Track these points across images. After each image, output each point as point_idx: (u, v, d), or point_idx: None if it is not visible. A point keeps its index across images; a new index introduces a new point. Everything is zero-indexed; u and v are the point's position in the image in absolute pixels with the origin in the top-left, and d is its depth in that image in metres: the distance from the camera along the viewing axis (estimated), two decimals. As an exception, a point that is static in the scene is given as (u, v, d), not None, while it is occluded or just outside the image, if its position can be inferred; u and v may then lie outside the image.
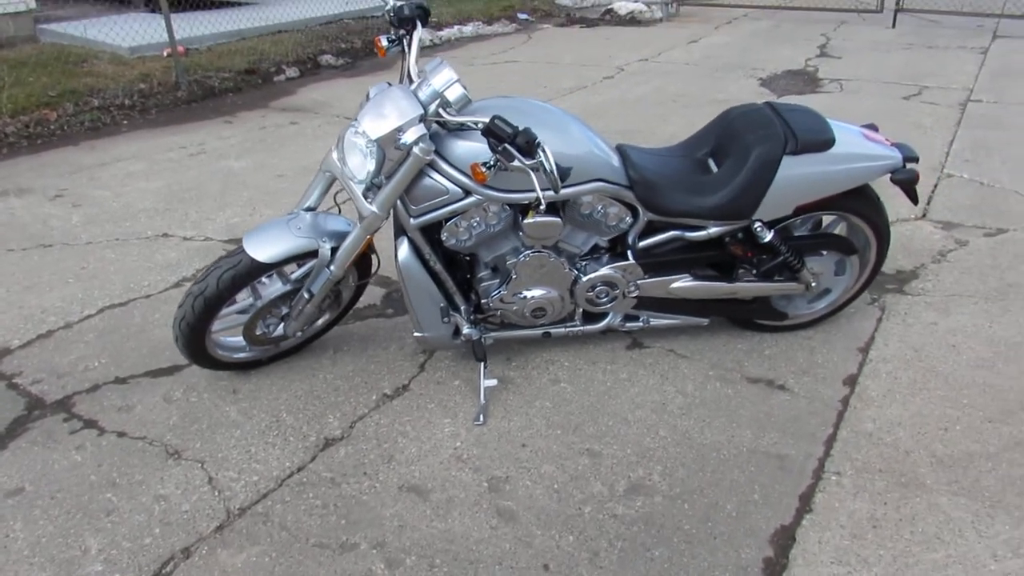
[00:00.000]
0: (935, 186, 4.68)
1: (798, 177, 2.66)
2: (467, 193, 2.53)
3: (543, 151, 2.17)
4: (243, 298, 2.79)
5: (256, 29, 8.88)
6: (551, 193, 2.27)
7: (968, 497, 2.35)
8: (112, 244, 4.15)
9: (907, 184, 2.80)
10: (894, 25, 9.43)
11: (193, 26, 8.37)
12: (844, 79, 7.12)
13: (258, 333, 2.86)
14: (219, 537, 2.28)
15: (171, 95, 6.93)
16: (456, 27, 9.80)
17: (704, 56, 8.26)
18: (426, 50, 8.94)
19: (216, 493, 2.44)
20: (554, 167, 2.16)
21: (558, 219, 2.61)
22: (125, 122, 6.42)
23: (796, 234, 2.98)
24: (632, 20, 10.50)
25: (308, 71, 8.02)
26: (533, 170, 2.20)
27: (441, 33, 9.52)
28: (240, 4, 10.08)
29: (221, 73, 7.45)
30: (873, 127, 2.94)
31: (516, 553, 2.21)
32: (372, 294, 3.57)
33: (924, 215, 4.30)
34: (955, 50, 8.20)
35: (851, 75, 7.24)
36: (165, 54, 7.49)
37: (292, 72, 7.85)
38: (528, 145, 2.18)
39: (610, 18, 10.68)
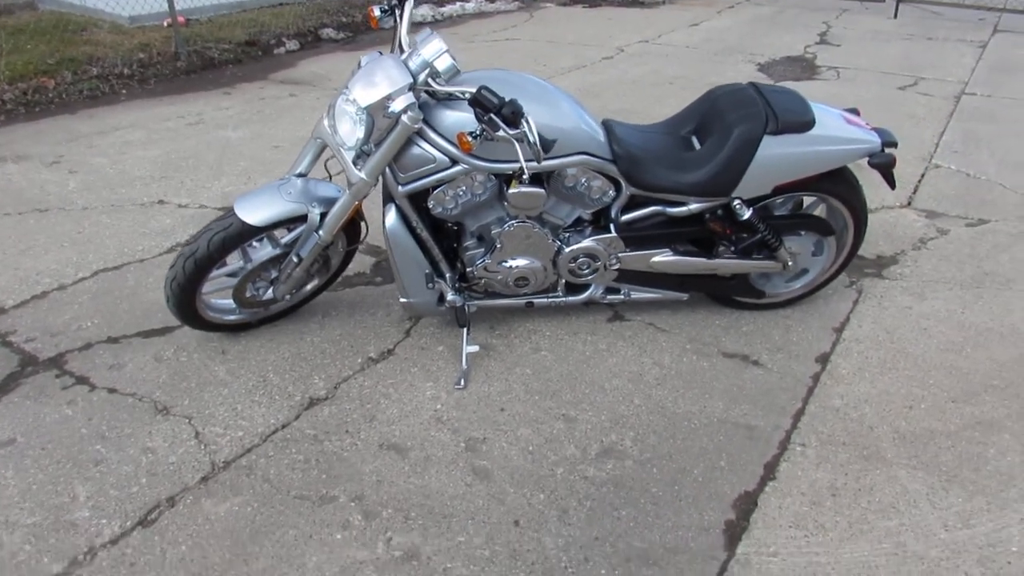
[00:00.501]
0: (922, 175, 4.74)
1: (777, 157, 2.73)
2: (454, 162, 2.60)
3: (527, 122, 2.23)
4: (233, 261, 2.86)
5: (257, 1, 8.89)
6: (535, 164, 2.33)
7: (926, 471, 2.44)
8: (108, 210, 4.21)
9: (884, 168, 2.86)
10: (896, 15, 9.43)
11: (195, -4, 8.38)
12: (841, 67, 7.16)
13: (247, 296, 2.93)
14: (204, 487, 2.36)
15: (170, 65, 6.96)
16: (458, 3, 9.80)
17: (704, 39, 8.28)
18: (427, 25, 8.95)
19: (202, 447, 2.52)
20: (537, 138, 2.23)
21: (542, 190, 2.68)
22: (124, 91, 6.45)
23: (776, 214, 3.04)
24: (635, 1, 10.50)
25: (308, 44, 8.04)
26: (517, 140, 2.27)
27: (443, 9, 9.53)
28: (242, -24, 10.06)
29: (221, 44, 7.47)
30: (855, 111, 3.00)
31: (489, 509, 2.30)
32: (362, 262, 3.64)
33: (909, 203, 4.37)
34: (954, 43, 8.23)
35: (849, 63, 7.28)
36: (165, 24, 7.51)
37: (292, 45, 7.87)
38: (514, 116, 2.25)
39: None
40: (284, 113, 5.80)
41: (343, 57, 7.52)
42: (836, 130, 2.79)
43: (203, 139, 5.28)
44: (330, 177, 2.90)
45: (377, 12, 2.74)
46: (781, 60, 7.41)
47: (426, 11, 9.29)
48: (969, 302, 3.37)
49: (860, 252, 3.75)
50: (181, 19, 7.50)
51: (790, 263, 3.02)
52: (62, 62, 6.67)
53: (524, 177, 2.45)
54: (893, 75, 6.91)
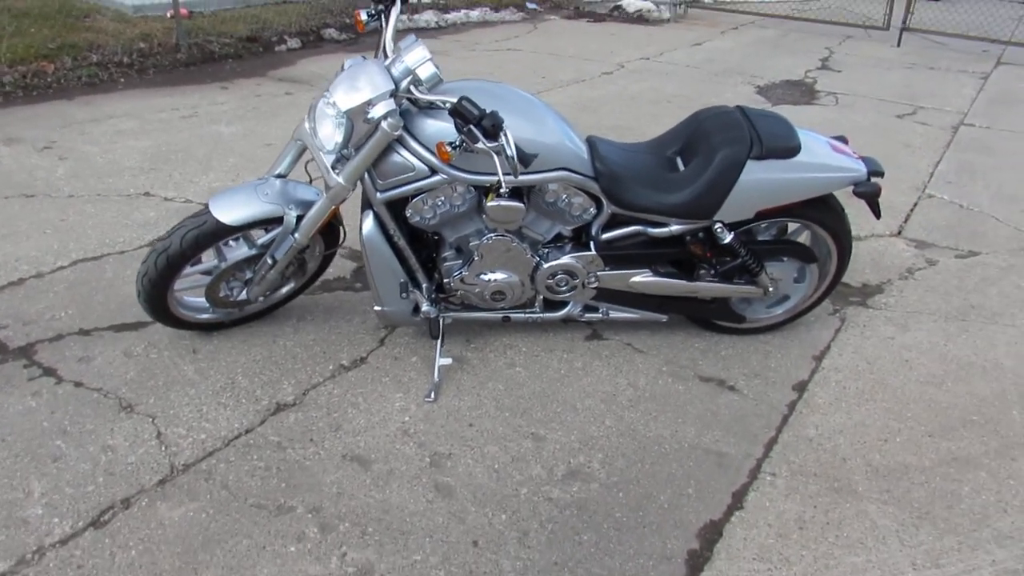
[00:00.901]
0: (914, 205, 4.72)
1: (761, 182, 2.70)
2: (433, 172, 2.57)
3: (505, 135, 2.20)
4: (208, 259, 2.83)
5: (262, -3, 8.87)
6: (512, 178, 2.30)
7: (897, 507, 2.40)
8: (93, 199, 4.18)
9: (870, 197, 2.84)
10: (899, 44, 9.43)
11: (199, -11, 8.35)
12: (841, 93, 7.15)
13: (221, 295, 2.89)
14: (160, 490, 2.32)
15: (170, 56, 6.94)
16: (463, 11, 9.80)
17: (706, 59, 8.27)
18: (431, 32, 8.96)
19: (163, 448, 2.48)
20: (514, 151, 2.20)
21: (521, 204, 2.65)
22: (122, 80, 6.43)
23: (758, 239, 3.01)
24: (640, 18, 10.50)
25: (310, 43, 8.03)
26: (496, 153, 2.24)
27: (448, 16, 9.52)
28: (249, -29, 10.05)
29: (222, 38, 7.45)
30: (843, 139, 2.98)
31: (448, 527, 2.25)
32: (342, 267, 3.61)
33: (899, 232, 4.35)
34: (956, 73, 8.23)
35: (848, 90, 7.27)
36: (168, 15, 7.48)
37: (294, 43, 7.86)
38: (493, 128, 2.21)
39: (618, 14, 10.68)
40: (279, 111, 5.77)
41: (343, 58, 7.48)
42: (822, 157, 2.76)
43: (195, 132, 5.25)
44: (310, 180, 2.86)
45: (364, 16, 2.72)
46: (780, 83, 7.40)
47: (430, 17, 9.29)
48: (953, 335, 3.34)
49: (846, 280, 3.72)
50: (184, 11, 7.47)
51: (771, 289, 2.99)
52: (63, 47, 6.65)
53: (502, 190, 2.42)
54: (892, 103, 6.89)
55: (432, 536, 2.22)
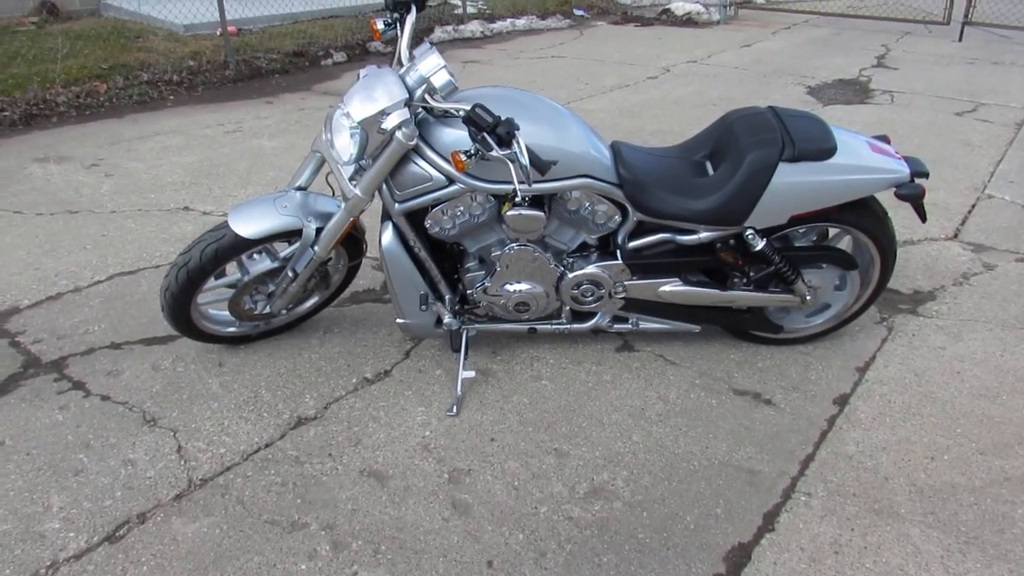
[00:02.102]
0: (972, 206, 4.49)
1: (793, 185, 2.57)
2: (451, 181, 2.51)
3: (518, 142, 2.14)
4: (232, 272, 2.83)
5: (309, 13, 9.02)
6: (526, 186, 2.23)
7: (942, 530, 2.24)
8: (134, 214, 4.25)
9: (913, 200, 2.68)
10: (960, 39, 9.08)
11: (247, 7, 8.53)
12: (897, 91, 6.88)
13: (244, 308, 2.89)
14: (176, 505, 2.31)
15: (219, 73, 7.08)
16: (509, 20, 9.79)
17: (755, 60, 8.07)
18: (476, 41, 8.97)
19: (182, 462, 2.48)
20: (527, 159, 2.13)
21: (541, 213, 2.57)
22: (171, 97, 6.57)
23: (796, 244, 2.88)
24: (688, 21, 10.34)
25: (356, 56, 8.10)
26: (510, 161, 2.17)
27: (493, 25, 9.52)
28: (297, -12, 10.22)
29: (270, 54, 7.58)
30: (884, 139, 2.82)
31: (462, 547, 2.19)
32: (372, 278, 3.58)
33: (955, 235, 4.13)
34: (1022, 67, 7.86)
35: (905, 87, 7.00)
36: (217, 33, 7.64)
37: (339, 57, 7.94)
38: (507, 136, 2.15)
39: (666, 18, 10.54)
40: (321, 124, 5.80)
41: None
42: (860, 158, 2.62)
43: (238, 147, 5.32)
44: (332, 191, 2.84)
45: (380, 25, 2.68)
46: (833, 83, 7.17)
47: (476, 27, 9.30)
48: (1010, 344, 3.14)
49: (895, 286, 3.55)
50: (232, 29, 7.63)
51: (808, 297, 2.85)
52: (115, 67, 6.84)
53: (518, 199, 2.35)
54: (951, 100, 6.61)
55: (446, 556, 2.16)
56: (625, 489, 2.40)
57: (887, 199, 2.82)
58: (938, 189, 4.68)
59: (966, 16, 9.16)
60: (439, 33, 8.95)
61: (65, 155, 5.15)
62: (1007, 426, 2.67)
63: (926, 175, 2.71)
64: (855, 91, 6.91)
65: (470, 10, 10.00)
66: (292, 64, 7.57)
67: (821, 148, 2.58)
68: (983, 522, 2.28)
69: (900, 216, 3.92)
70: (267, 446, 2.55)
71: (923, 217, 2.81)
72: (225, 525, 2.24)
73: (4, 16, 8.15)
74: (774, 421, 2.70)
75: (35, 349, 3.05)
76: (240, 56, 7.34)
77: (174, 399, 2.77)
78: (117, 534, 2.21)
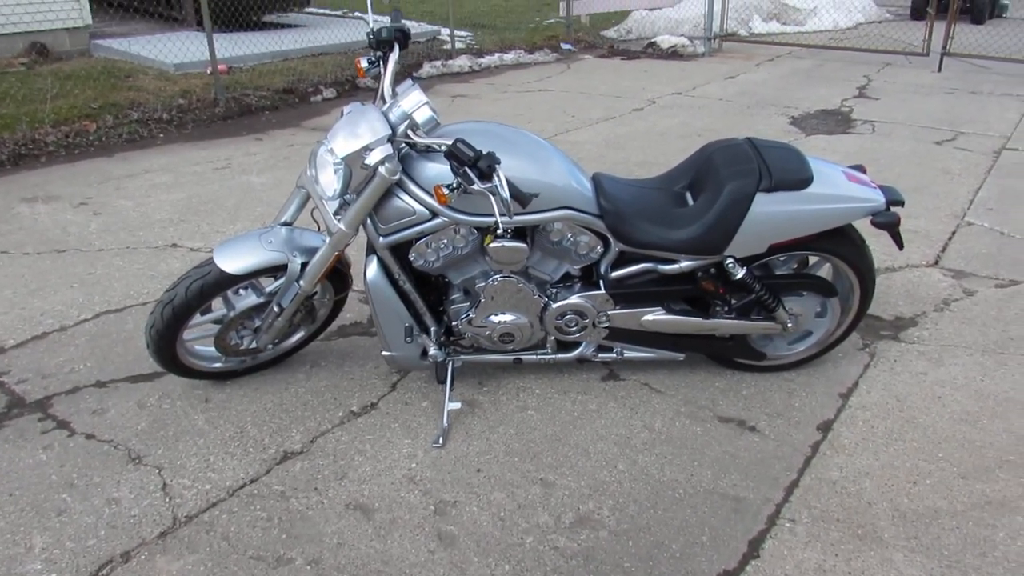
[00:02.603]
0: (952, 233, 4.54)
1: (771, 215, 2.61)
2: (434, 215, 2.55)
3: (498, 175, 2.18)
4: (218, 307, 2.84)
5: (299, 50, 9.13)
6: (507, 218, 2.27)
7: (925, 555, 2.25)
8: (122, 252, 4.27)
9: (889, 228, 2.72)
10: (940, 69, 9.24)
11: (238, 46, 8.63)
12: (878, 121, 7.00)
13: (231, 344, 2.90)
14: (161, 543, 2.30)
15: (208, 111, 7.15)
16: (497, 55, 9.93)
17: (739, 92, 8.20)
18: (465, 76, 9.08)
19: (167, 500, 2.47)
20: (507, 192, 2.16)
21: (523, 244, 2.61)
22: (161, 135, 6.63)
23: (776, 273, 2.92)
24: (674, 54, 10.50)
25: (345, 92, 8.19)
26: (491, 194, 2.21)
27: (482, 60, 9.65)
28: (286, 27, 10.39)
29: (259, 91, 7.66)
30: (860, 168, 2.88)
31: (448, 579, 2.19)
32: (359, 311, 3.60)
33: (936, 262, 4.18)
34: (999, 97, 8.00)
35: (886, 117, 7.12)
36: (208, 71, 7.73)
37: (329, 93, 8.03)
38: (489, 169, 2.19)
39: (652, 51, 10.71)
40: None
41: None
42: (836, 188, 2.67)
43: (226, 184, 5.36)
44: (318, 226, 2.87)
45: (364, 63, 2.74)
46: (816, 113, 7.28)
47: (464, 62, 9.42)
48: (990, 369, 3.17)
49: (877, 313, 3.59)
50: (223, 67, 7.71)
51: (790, 324, 2.88)
52: (105, 106, 6.90)
53: (499, 231, 2.39)
54: (931, 129, 6.72)
55: (431, 589, 2.16)
56: (611, 518, 2.40)
57: (866, 228, 2.86)
58: (919, 217, 4.75)
59: (944, 47, 9.34)
60: (428, 68, 9.07)
61: (53, 194, 5.18)
62: (988, 450, 2.69)
63: (902, 203, 2.76)
64: (837, 121, 7.02)
65: (459, 45, 10.15)
66: (282, 101, 7.66)
67: (798, 178, 2.63)
68: (965, 546, 2.29)
69: (881, 244, 3.98)
70: (253, 481, 2.55)
71: (900, 245, 2.86)
72: (210, 562, 2.23)
73: (-5, 57, 8.23)
74: (759, 448, 2.71)
75: (19, 389, 3.05)
76: (230, 94, 7.42)
77: (159, 436, 2.77)
78: (100, 574, 2.19)
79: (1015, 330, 3.46)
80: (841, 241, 2.80)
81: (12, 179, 5.48)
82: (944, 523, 2.37)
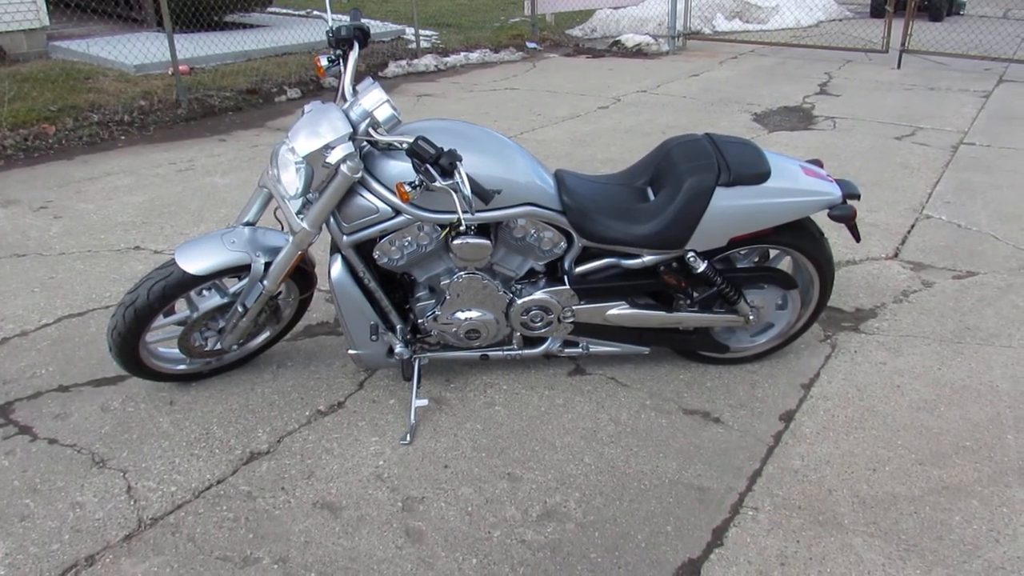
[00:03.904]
0: (911, 226, 4.64)
1: (730, 209, 2.66)
2: (397, 212, 2.56)
3: (460, 172, 2.19)
4: (181, 309, 2.82)
5: (262, 51, 9.05)
6: (469, 215, 2.28)
7: (884, 539, 2.31)
8: (83, 256, 4.22)
9: (845, 220, 2.78)
10: (899, 66, 9.41)
11: (200, 46, 8.54)
12: (839, 117, 7.11)
13: (195, 345, 2.88)
14: (125, 546, 2.28)
15: (171, 112, 7.07)
16: (463, 54, 9.93)
17: (703, 89, 8.29)
18: (430, 75, 9.07)
19: (132, 502, 2.45)
20: (468, 188, 2.18)
21: (487, 241, 2.62)
22: (123, 137, 6.54)
23: (738, 266, 2.96)
24: (638, 52, 10.58)
25: (310, 92, 8.14)
26: (453, 191, 2.22)
27: (447, 59, 9.64)
28: (249, 27, 10.29)
29: (223, 92, 7.59)
30: (818, 163, 2.93)
31: (416, 574, 2.19)
32: (326, 310, 3.59)
33: (896, 255, 4.27)
34: (956, 92, 8.17)
35: (847, 113, 7.24)
36: (169, 72, 7.63)
37: (294, 93, 7.98)
38: (450, 166, 2.20)
39: (617, 50, 10.78)
40: (273, 160, 5.82)
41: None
42: (793, 182, 2.72)
43: (190, 185, 5.31)
44: (281, 226, 2.86)
45: (324, 62, 2.74)
46: (778, 110, 7.38)
47: (430, 61, 9.41)
48: (947, 358, 3.25)
49: (838, 305, 3.66)
50: (184, 68, 7.63)
51: (751, 317, 2.93)
52: (64, 109, 6.79)
53: (462, 228, 2.40)
54: (891, 125, 6.85)
55: (399, 585, 2.16)
56: (577, 510, 2.43)
57: (826, 222, 2.92)
58: (878, 210, 4.84)
59: (903, 44, 9.51)
60: (393, 67, 9.05)
61: (12, 198, 5.09)
62: (944, 436, 2.76)
63: (858, 196, 2.82)
64: (799, 118, 7.12)
65: (424, 44, 10.14)
66: (245, 101, 7.59)
67: (755, 172, 2.67)
68: (922, 530, 2.35)
69: (842, 237, 4.06)
70: (219, 482, 2.54)
71: (857, 237, 2.92)
72: (176, 563, 2.22)
73: (-50, 60, 8.05)
74: (722, 438, 2.76)
75: (-20, 394, 3.00)
76: (192, 95, 7.34)
77: (124, 439, 2.74)
78: (64, 577, 2.17)
79: (971, 320, 3.55)
80: (800, 234, 2.85)
81: (-31, 183, 5.38)
82: (902, 508, 2.43)
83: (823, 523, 2.37)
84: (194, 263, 2.62)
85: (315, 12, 12.19)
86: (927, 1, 12.97)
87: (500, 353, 2.97)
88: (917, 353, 3.28)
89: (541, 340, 2.98)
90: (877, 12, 13.51)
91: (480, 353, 2.96)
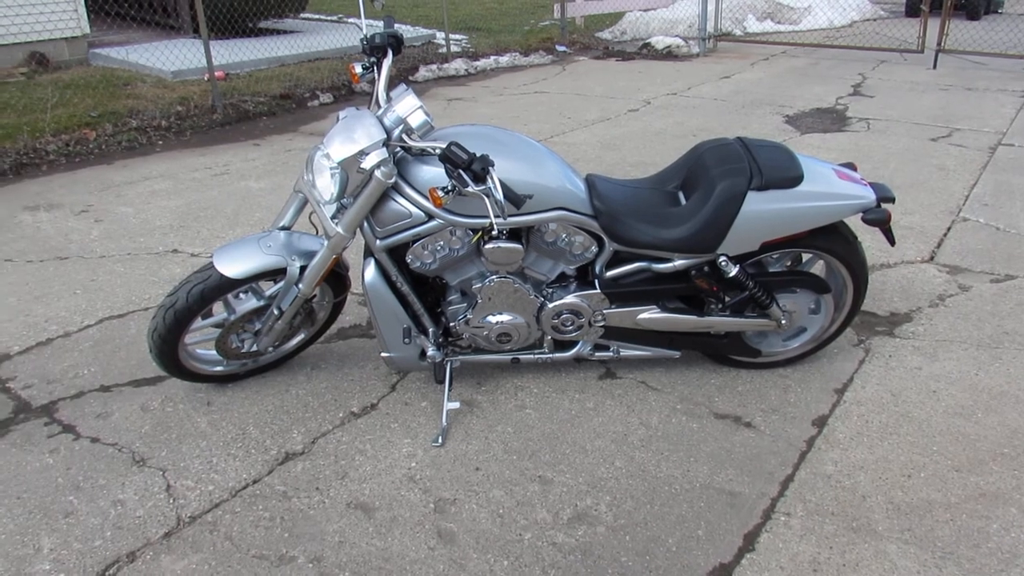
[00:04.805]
0: (948, 229, 4.58)
1: (762, 213, 2.65)
2: (430, 217, 2.59)
3: (492, 178, 2.21)
4: (219, 311, 2.88)
5: (295, 56, 9.17)
6: (501, 219, 2.30)
7: (919, 546, 2.29)
8: (123, 258, 4.31)
9: (880, 224, 2.76)
10: (935, 66, 9.28)
11: (234, 52, 8.68)
12: (873, 119, 7.03)
13: (232, 347, 2.93)
14: (165, 543, 2.34)
15: (206, 118, 7.19)
16: (493, 57, 9.97)
17: (734, 91, 8.24)
18: (460, 79, 9.13)
19: (171, 501, 2.51)
20: (500, 193, 2.20)
21: (518, 245, 2.64)
22: (160, 142, 6.67)
23: (770, 270, 2.95)
24: (668, 54, 10.54)
25: (342, 97, 8.24)
26: (485, 196, 2.25)
27: (477, 63, 9.69)
28: (282, 32, 10.43)
29: (256, 97, 7.70)
30: (851, 166, 2.91)
31: (447, 575, 2.22)
32: (358, 314, 3.64)
33: (931, 258, 4.21)
34: (995, 93, 8.04)
35: (881, 115, 7.15)
36: (205, 78, 7.77)
37: (326, 98, 8.07)
38: (482, 171, 2.23)
39: (647, 52, 10.75)
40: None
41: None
42: (826, 185, 2.71)
43: (225, 189, 5.40)
44: (316, 230, 2.91)
45: (358, 69, 2.78)
46: (810, 112, 7.31)
47: (460, 65, 9.47)
48: (985, 363, 3.20)
49: (872, 309, 3.62)
50: (220, 74, 7.76)
51: (784, 321, 2.91)
52: (104, 115, 6.94)
53: (494, 232, 2.42)
54: (926, 126, 6.75)
55: (431, 585, 2.19)
56: (608, 514, 2.44)
57: (860, 225, 2.90)
58: (914, 213, 4.78)
59: (940, 44, 9.38)
60: (424, 72, 9.12)
61: (55, 202, 5.22)
62: (982, 443, 2.73)
63: (892, 200, 2.80)
64: (832, 119, 7.05)
65: (454, 48, 10.20)
66: (279, 106, 7.70)
67: (788, 176, 2.66)
68: (959, 537, 2.32)
69: (877, 240, 4.02)
70: (255, 482, 2.59)
71: (892, 241, 2.89)
72: (214, 561, 2.27)
73: (-6, 67, 8.28)
74: (754, 443, 2.75)
75: (25, 394, 3.08)
76: (227, 100, 7.46)
77: (163, 439, 2.80)
78: (107, 573, 2.23)
79: (1010, 324, 3.49)
80: (833, 238, 2.84)
81: (14, 188, 5.52)
82: (938, 515, 2.41)
83: (857, 529, 2.36)
84: (232, 267, 2.67)
85: (346, 18, 12.32)
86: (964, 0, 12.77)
87: (531, 356, 2.99)
88: (954, 358, 3.24)
89: (572, 344, 2.99)
90: (912, 11, 13.33)
91: (511, 356, 2.98)
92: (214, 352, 2.98)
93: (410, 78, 8.94)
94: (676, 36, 11.02)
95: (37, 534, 2.38)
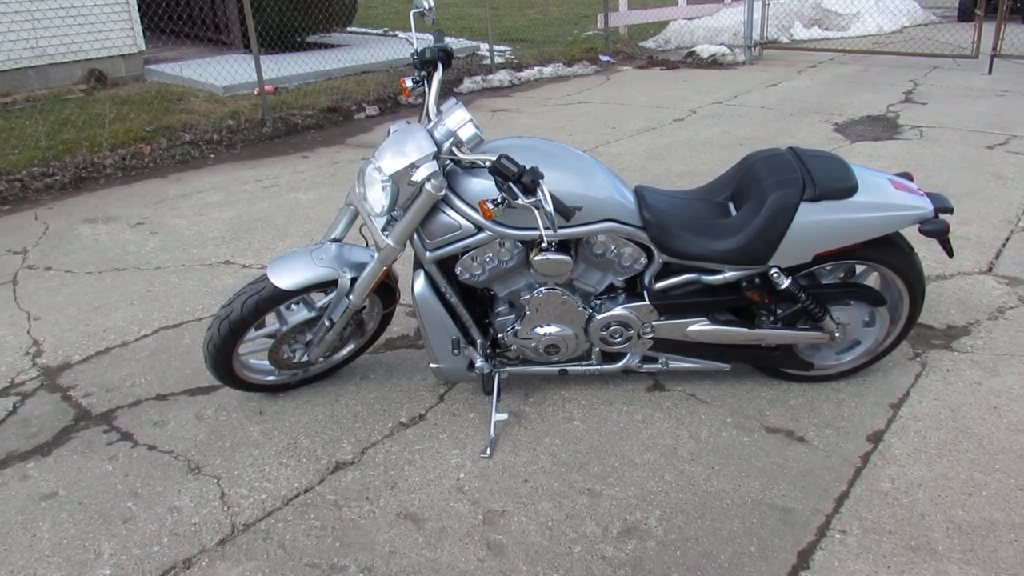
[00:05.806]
0: (1006, 240, 4.45)
1: (816, 224, 2.61)
2: (480, 229, 2.60)
3: (542, 190, 2.22)
4: (271, 322, 2.93)
5: (342, 70, 9.32)
6: (551, 232, 2.31)
7: (981, 567, 2.22)
8: (178, 270, 4.41)
9: (937, 235, 2.69)
10: (990, 71, 9.05)
11: (283, 67, 8.85)
12: (926, 126, 6.88)
13: (284, 357, 2.98)
14: (220, 550, 2.38)
15: (256, 131, 7.33)
16: (536, 68, 10.01)
17: (781, 99, 8.14)
18: (504, 91, 9.17)
19: (226, 508, 2.55)
20: (550, 205, 2.21)
21: (567, 257, 2.64)
22: (212, 156, 6.82)
23: (823, 282, 2.90)
24: (714, 63, 10.46)
25: (388, 109, 8.34)
26: (535, 208, 2.25)
27: (521, 74, 9.73)
28: (329, 46, 10.60)
29: (305, 111, 7.84)
30: (907, 176, 2.86)
31: (498, 588, 2.22)
32: (406, 324, 3.67)
33: (990, 269, 4.10)
34: (1053, 98, 7.81)
35: (934, 122, 7.00)
36: (255, 93, 7.93)
37: (372, 110, 8.18)
38: (532, 184, 2.24)
39: (692, 60, 10.68)
40: (354, 177, 5.97)
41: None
42: (881, 196, 2.66)
43: (275, 201, 5.50)
44: (366, 242, 2.94)
45: (409, 83, 2.82)
46: (861, 120, 7.19)
47: (504, 76, 9.52)
48: (1048, 379, 3.11)
49: (928, 322, 3.54)
50: (269, 88, 7.92)
51: (837, 334, 2.86)
52: (159, 129, 7.13)
53: (544, 244, 2.43)
54: (982, 133, 6.59)
55: (481, 597, 2.19)
56: (658, 528, 2.42)
57: (916, 235, 2.84)
58: (971, 223, 4.66)
59: (995, 48, 9.15)
60: (468, 83, 9.18)
61: (112, 215, 5.37)
62: (1046, 460, 2.64)
63: (950, 210, 2.73)
64: (883, 127, 6.92)
65: (498, 60, 10.26)
66: (327, 119, 7.82)
67: (842, 187, 2.62)
68: (1023, 559, 2.25)
69: (932, 251, 3.93)
70: (306, 491, 2.62)
71: (950, 252, 2.82)
72: (267, 569, 2.30)
73: (55, 85, 8.55)
74: (807, 458, 2.70)
75: (85, 402, 3.17)
76: (276, 114, 7.60)
77: (217, 447, 2.86)
78: (164, 579, 2.28)
79: (1072, 337, 3.39)
80: (888, 249, 2.78)
81: (74, 201, 5.70)
82: (1001, 535, 2.34)
83: (915, 549, 2.30)
84: (285, 278, 2.72)
85: (392, 31, 12.47)
86: (1020, 3, 12.43)
87: (579, 368, 2.98)
88: (1015, 373, 3.15)
89: (620, 355, 2.98)
90: (965, 16, 13.01)
91: (559, 368, 2.98)
92: (266, 362, 3.03)
93: (455, 90, 9.01)
94: (721, 44, 10.93)
95: (98, 539, 2.44)
